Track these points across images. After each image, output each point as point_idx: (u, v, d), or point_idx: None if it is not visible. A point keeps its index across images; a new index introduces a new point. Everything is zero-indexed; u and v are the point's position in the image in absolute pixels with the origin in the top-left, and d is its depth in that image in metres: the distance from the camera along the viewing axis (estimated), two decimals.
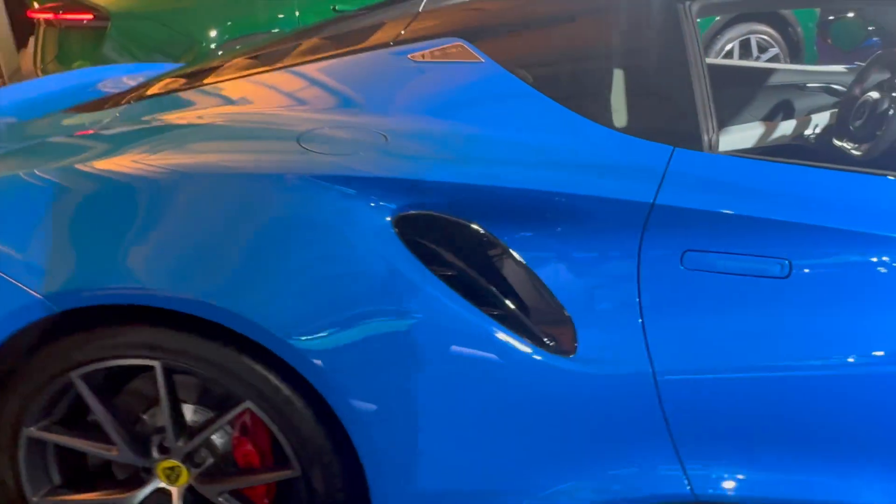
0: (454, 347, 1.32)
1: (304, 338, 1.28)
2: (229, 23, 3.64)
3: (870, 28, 2.67)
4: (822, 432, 1.33)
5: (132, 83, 1.99)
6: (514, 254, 1.38)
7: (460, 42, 1.48)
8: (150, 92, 1.69)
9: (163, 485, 1.50)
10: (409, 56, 1.51)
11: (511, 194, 1.34)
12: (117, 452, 1.46)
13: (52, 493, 1.52)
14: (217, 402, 1.50)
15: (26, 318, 1.32)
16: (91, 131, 1.56)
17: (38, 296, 1.30)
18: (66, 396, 1.45)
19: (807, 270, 1.30)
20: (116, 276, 1.29)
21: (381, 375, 1.32)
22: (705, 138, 1.38)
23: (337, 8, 3.75)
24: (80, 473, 1.57)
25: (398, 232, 1.31)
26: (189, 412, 1.50)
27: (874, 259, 1.27)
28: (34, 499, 1.51)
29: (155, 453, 1.48)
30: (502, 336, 1.32)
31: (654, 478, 1.41)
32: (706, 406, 1.35)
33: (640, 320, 1.36)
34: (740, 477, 1.37)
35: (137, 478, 1.52)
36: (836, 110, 2.37)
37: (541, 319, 1.37)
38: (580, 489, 1.42)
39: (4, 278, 1.32)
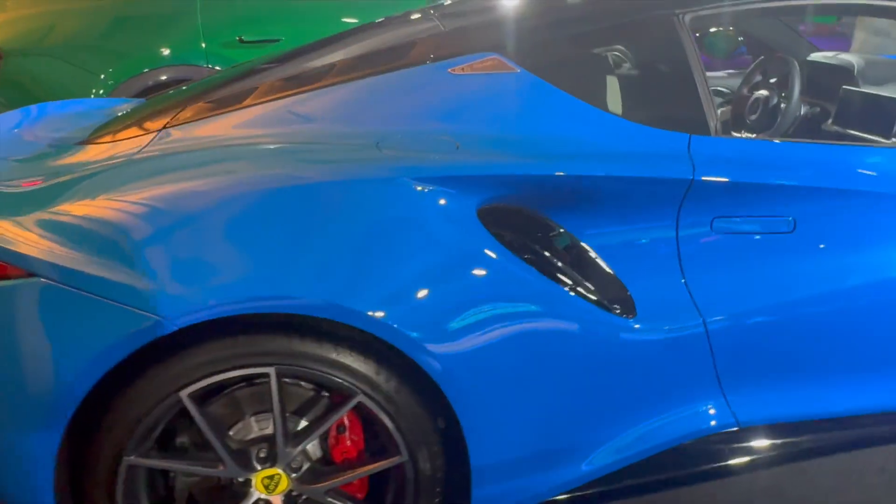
0: (545, 323, 1.49)
1: (420, 329, 1.40)
2: (131, 58, 3.55)
3: (740, 38, 3.17)
4: (834, 353, 1.65)
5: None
6: (573, 235, 1.59)
7: (496, 56, 1.67)
8: (185, 117, 1.71)
9: (262, 496, 1.53)
10: (448, 70, 1.67)
11: (570, 182, 1.55)
12: (224, 468, 1.48)
13: None
14: (300, 408, 1.55)
15: (141, 340, 1.33)
16: (157, 151, 1.57)
17: (156, 316, 1.31)
18: (163, 420, 1.45)
19: (808, 224, 1.61)
20: (254, 287, 1.34)
21: (484, 355, 1.46)
22: (711, 125, 1.66)
23: (244, 38, 3.77)
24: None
25: (484, 223, 1.47)
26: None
27: (859, 208, 1.61)
28: None
29: (256, 465, 1.51)
30: (582, 308, 1.51)
31: (706, 414, 1.66)
32: (742, 344, 1.62)
33: (683, 280, 1.61)
34: (773, 401, 1.66)
35: (234, 493, 1.54)
36: (731, 107, 2.79)
37: (604, 291, 1.57)
38: (648, 434, 1.64)
39: (116, 304, 1.32)
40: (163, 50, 3.61)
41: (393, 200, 1.43)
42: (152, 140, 1.67)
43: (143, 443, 1.45)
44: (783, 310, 1.62)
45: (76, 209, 1.42)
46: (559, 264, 1.54)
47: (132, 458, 1.43)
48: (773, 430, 1.68)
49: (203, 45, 3.69)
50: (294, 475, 1.53)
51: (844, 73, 2.64)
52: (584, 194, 1.58)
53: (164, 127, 1.70)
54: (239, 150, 1.54)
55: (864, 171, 1.64)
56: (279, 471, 1.52)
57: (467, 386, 1.46)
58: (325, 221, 1.40)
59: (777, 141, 1.69)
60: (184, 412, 1.44)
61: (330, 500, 1.54)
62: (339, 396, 1.48)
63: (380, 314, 1.37)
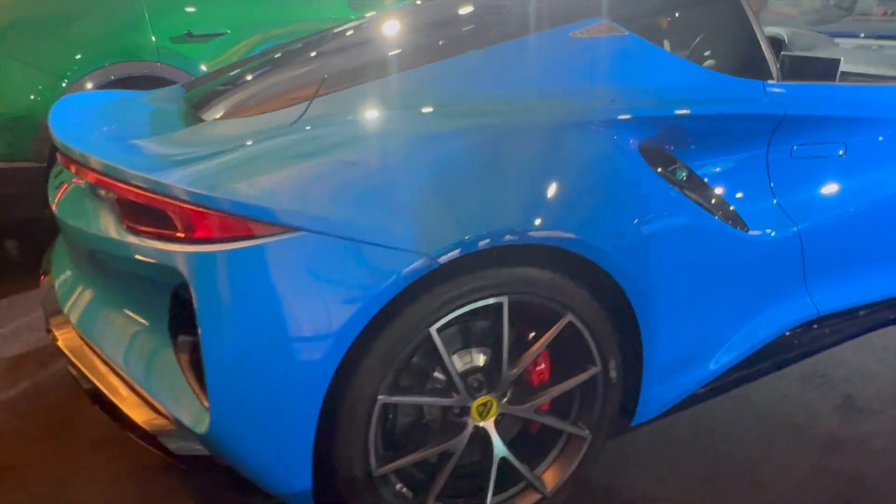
0: (695, 237, 1.78)
1: (619, 250, 1.62)
2: (84, 55, 3.36)
3: None
4: (882, 248, 2.09)
5: None
6: (691, 167, 1.88)
7: (605, 21, 1.91)
8: (330, 88, 1.78)
9: (478, 423, 1.68)
10: (570, 34, 1.90)
11: (693, 121, 1.84)
12: (457, 397, 1.61)
13: (387, 461, 1.59)
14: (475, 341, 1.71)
15: (406, 280, 1.43)
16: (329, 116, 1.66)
17: (421, 255, 1.42)
18: (410, 358, 1.55)
19: (854, 148, 2.04)
20: (501, 222, 1.48)
21: (656, 267, 1.71)
22: (774, 72, 2.03)
23: (193, 32, 3.68)
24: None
25: (644, 158, 1.73)
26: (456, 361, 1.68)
27: (891, 133, 2.06)
28: (378, 470, 1.57)
29: (475, 394, 1.65)
30: (717, 224, 1.81)
31: (796, 308, 2.02)
32: (820, 245, 2.00)
33: (776, 202, 1.96)
34: (845, 291, 2.06)
35: (452, 424, 1.66)
36: None
37: (723, 210, 1.88)
38: (757, 328, 1.97)
39: (381, 248, 1.41)
40: (115, 46, 3.45)
41: (590, 143, 1.65)
42: (307, 109, 1.73)
43: (395, 381, 1.55)
44: (843, 216, 2.03)
45: (315, 167, 1.48)
46: (691, 191, 1.83)
47: (385, 396, 1.52)
48: (840, 314, 2.09)
49: (153, 39, 3.57)
50: (503, 400, 1.70)
51: (777, 43, 3.19)
52: (698, 132, 1.87)
53: (314, 97, 1.76)
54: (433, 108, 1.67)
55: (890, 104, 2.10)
56: (491, 398, 1.67)
57: (646, 296, 1.70)
58: (545, 162, 1.59)
59: (825, 83, 2.11)
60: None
61: (536, 416, 1.72)
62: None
63: (589, 237, 1.58)
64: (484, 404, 1.67)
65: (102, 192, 1.65)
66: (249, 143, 1.59)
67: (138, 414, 1.61)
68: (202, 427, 1.48)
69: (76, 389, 2.48)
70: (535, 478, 1.75)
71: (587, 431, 1.78)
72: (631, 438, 2.09)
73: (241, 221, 1.40)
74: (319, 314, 1.41)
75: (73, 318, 1.77)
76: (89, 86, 3.30)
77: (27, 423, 2.35)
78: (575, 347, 1.72)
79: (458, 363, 1.66)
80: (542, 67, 1.83)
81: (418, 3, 2.56)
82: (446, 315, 1.52)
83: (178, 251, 1.41)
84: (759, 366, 2.06)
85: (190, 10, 3.71)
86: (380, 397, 1.51)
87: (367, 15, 2.77)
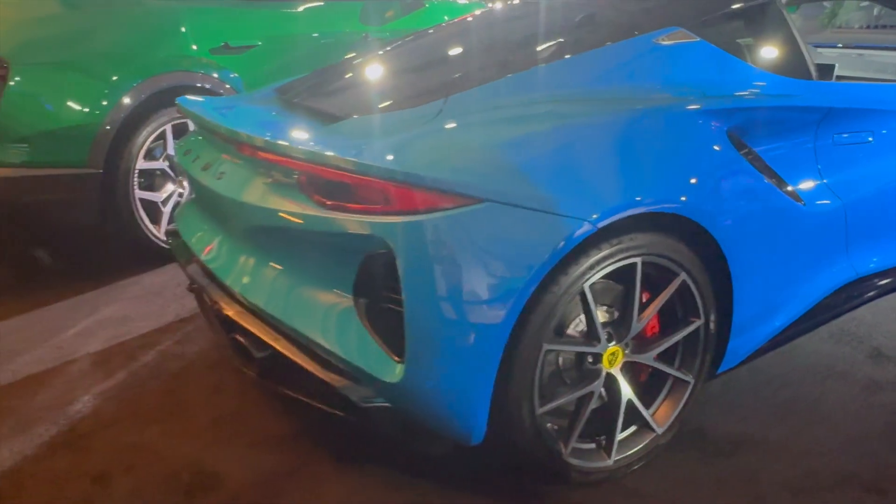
0: (770, 206, 2.11)
1: (718, 216, 1.94)
2: (134, 65, 3.50)
3: None
4: None
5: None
6: (757, 151, 2.22)
7: (681, 29, 2.24)
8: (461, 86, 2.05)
9: (608, 370, 1.96)
10: (653, 41, 2.21)
11: (762, 112, 2.18)
12: (598, 344, 1.89)
13: (545, 401, 1.85)
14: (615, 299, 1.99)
15: (573, 242, 1.70)
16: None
17: (586, 221, 1.70)
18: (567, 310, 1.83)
19: (878, 136, 2.43)
20: (648, 192, 1.78)
21: (744, 231, 2.02)
22: (813, 73, 2.40)
23: (230, 44, 3.87)
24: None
25: (732, 142, 2.05)
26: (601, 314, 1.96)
27: None
28: (540, 409, 1.83)
29: (606, 344, 1.93)
30: (782, 196, 2.15)
31: (839, 271, 2.39)
32: (857, 215, 2.37)
33: (824, 182, 2.32)
34: (877, 256, 2.44)
35: (588, 371, 1.94)
36: None
37: (784, 186, 2.23)
38: (811, 289, 2.32)
39: (556, 215, 1.68)
40: (161, 58, 3.60)
41: (695, 129, 1.96)
42: (445, 105, 1.98)
43: (556, 330, 1.81)
44: (873, 192, 2.41)
45: (495, 148, 1.74)
46: (761, 171, 2.17)
47: (548, 344, 1.79)
48: (871, 277, 2.47)
49: (194, 47, 3.73)
50: (627, 350, 1.98)
51: None
52: (762, 123, 2.22)
53: (450, 93, 2.02)
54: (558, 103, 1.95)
55: None
56: (618, 347, 1.96)
57: (738, 258, 2.02)
58: (667, 143, 1.90)
59: (859, 79, 2.49)
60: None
61: (655, 363, 2.01)
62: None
63: (700, 206, 1.88)
64: (613, 353, 1.95)
65: (282, 174, 1.85)
66: (417, 131, 1.84)
67: (322, 372, 1.83)
68: (394, 377, 1.71)
69: (180, 374, 2.65)
70: (650, 418, 2.04)
71: (690, 377, 2.09)
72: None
73: (438, 195, 1.64)
74: (504, 274, 1.66)
75: (241, 289, 1.97)
76: (141, 96, 3.44)
77: (139, 407, 2.49)
78: (682, 303, 2.03)
79: (603, 315, 1.95)
80: (637, 67, 2.13)
81: (501, 7, 2.85)
82: (597, 274, 1.80)
83: (384, 222, 1.65)
84: (808, 322, 2.41)
85: (226, 23, 3.90)
86: (545, 345, 1.78)
87: (453, 21, 3.03)
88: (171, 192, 3.69)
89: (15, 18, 3.30)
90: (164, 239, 3.67)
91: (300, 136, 1.93)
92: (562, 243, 1.69)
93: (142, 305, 3.29)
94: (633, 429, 2.06)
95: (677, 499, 1.97)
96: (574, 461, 1.94)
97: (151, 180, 3.64)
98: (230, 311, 1.99)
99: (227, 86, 3.82)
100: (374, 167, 1.66)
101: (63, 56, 3.27)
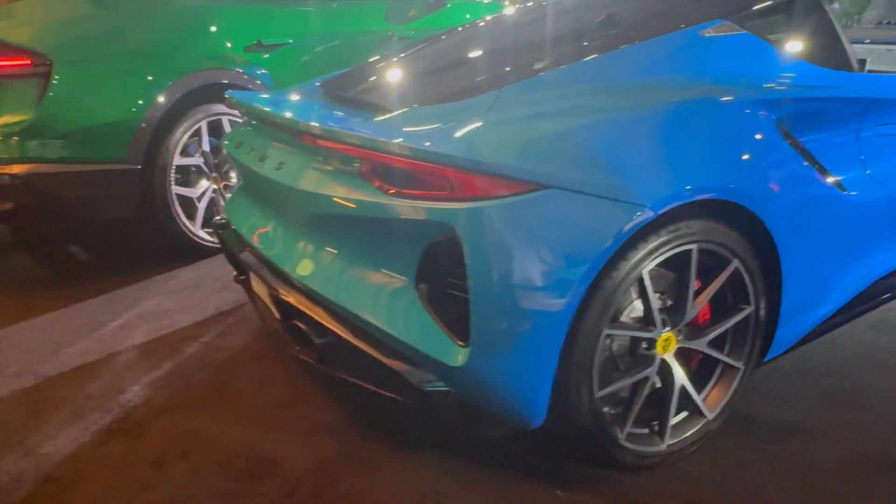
0: (818, 194, 2.14)
1: (769, 204, 1.97)
2: (171, 63, 3.55)
3: None
4: None
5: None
6: (802, 141, 2.25)
7: (726, 22, 2.27)
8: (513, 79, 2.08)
9: (662, 355, 1.99)
10: (699, 33, 2.25)
11: (808, 103, 2.21)
12: (654, 329, 1.92)
13: (603, 385, 1.88)
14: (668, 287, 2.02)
15: (634, 228, 1.73)
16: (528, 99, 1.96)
17: (646, 207, 1.73)
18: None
19: None
20: (704, 181, 1.81)
21: (794, 219, 2.06)
22: (854, 65, 2.43)
23: (263, 42, 3.91)
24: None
25: (780, 132, 2.08)
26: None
27: None
28: (598, 392, 1.86)
29: (661, 329, 1.96)
30: (827, 184, 2.18)
31: (882, 259, 2.41)
32: None
33: (867, 172, 2.35)
34: None
35: (643, 357, 1.97)
36: None
37: (828, 176, 2.26)
38: (855, 278, 2.35)
39: (617, 201, 1.72)
40: (198, 56, 3.65)
41: (747, 119, 1.99)
42: (500, 96, 2.02)
43: (614, 315, 1.84)
44: None
45: (558, 136, 1.78)
46: (807, 161, 2.20)
47: (607, 329, 1.82)
48: None
49: (229, 47, 3.78)
50: (680, 336, 2.01)
51: None
52: (809, 113, 2.24)
53: (503, 84, 2.06)
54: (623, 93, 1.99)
55: None
56: (671, 333, 1.99)
57: (788, 246, 2.05)
58: (722, 132, 1.93)
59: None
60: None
61: (707, 349, 2.04)
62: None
63: (754, 194, 1.92)
64: (666, 339, 1.98)
65: (345, 162, 1.89)
66: (479, 120, 1.87)
67: (383, 357, 1.86)
68: (458, 361, 1.74)
69: (226, 365, 2.69)
70: (702, 403, 2.07)
71: (740, 363, 2.11)
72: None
73: (504, 181, 1.68)
74: (567, 259, 1.69)
75: (301, 277, 2.00)
76: (178, 93, 3.49)
77: (188, 396, 2.53)
78: (733, 290, 2.06)
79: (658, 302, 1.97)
80: (687, 59, 2.17)
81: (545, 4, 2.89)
82: (654, 260, 1.83)
83: (450, 208, 1.68)
84: (851, 312, 2.44)
85: (259, 21, 3.94)
86: (604, 329, 1.81)
87: (493, 17, 3.07)
88: (205, 188, 3.73)
89: (55, 17, 3.35)
90: (199, 234, 3.72)
91: (362, 126, 1.97)
92: (624, 229, 1.72)
93: (180, 299, 3.33)
94: (684, 414, 2.09)
95: (730, 483, 2.00)
96: (629, 445, 1.97)
97: (187, 176, 3.68)
98: (290, 297, 2.03)
99: (258, 82, 3.86)
100: (442, 155, 1.69)
101: (102, 54, 3.31)
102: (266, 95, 2.54)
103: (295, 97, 2.50)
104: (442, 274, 1.80)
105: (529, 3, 3.21)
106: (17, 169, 3.16)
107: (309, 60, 4.13)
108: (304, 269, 2.02)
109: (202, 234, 3.73)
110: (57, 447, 2.26)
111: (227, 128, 3.72)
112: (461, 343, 1.76)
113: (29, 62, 3.10)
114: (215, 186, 3.77)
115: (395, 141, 1.75)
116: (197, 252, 3.74)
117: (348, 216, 1.88)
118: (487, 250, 1.67)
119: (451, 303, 1.78)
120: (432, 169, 1.71)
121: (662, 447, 2.03)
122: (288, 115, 2.07)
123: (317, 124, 1.94)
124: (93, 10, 3.50)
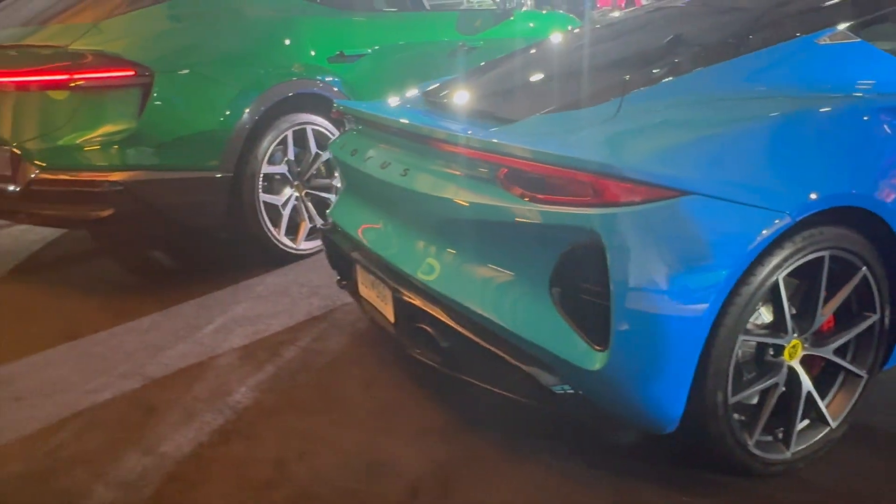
0: None
1: (894, 211, 1.96)
2: (262, 74, 3.63)
3: None
4: None
5: None
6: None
7: (839, 30, 2.27)
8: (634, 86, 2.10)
9: (790, 362, 1.98)
10: (815, 41, 2.25)
11: None
12: (785, 336, 1.92)
13: (736, 391, 1.88)
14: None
15: (774, 234, 1.74)
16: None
17: (786, 214, 1.74)
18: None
19: None
20: (839, 187, 1.82)
21: None
22: None
23: (344, 53, 3.98)
24: None
25: None
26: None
27: None
28: (732, 398, 1.86)
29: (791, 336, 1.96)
30: None
31: None
32: None
33: None
34: None
35: (771, 364, 1.97)
36: None
37: None
38: None
39: (758, 208, 1.73)
40: (286, 67, 3.73)
41: (874, 126, 1.99)
42: (623, 103, 2.04)
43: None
44: None
45: (699, 144, 1.80)
46: None
47: (743, 335, 1.82)
48: None
49: (314, 57, 3.86)
50: (806, 343, 2.01)
51: None
52: None
53: (625, 92, 2.08)
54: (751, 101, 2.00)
55: None
56: (798, 340, 1.98)
57: None
58: (852, 140, 1.93)
59: None
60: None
61: (833, 357, 2.03)
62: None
63: (885, 200, 1.91)
64: (793, 346, 1.98)
65: (477, 169, 1.92)
66: (612, 128, 1.90)
67: (512, 359, 1.89)
68: (595, 366, 1.76)
69: (328, 369, 2.74)
70: (826, 411, 2.06)
71: (864, 371, 2.10)
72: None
73: (646, 187, 1.70)
74: (708, 265, 1.70)
75: (428, 281, 2.04)
76: (266, 102, 3.57)
77: (295, 398, 2.58)
78: (857, 297, 2.05)
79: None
80: (806, 67, 2.17)
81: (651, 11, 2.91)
82: (789, 266, 1.83)
83: (592, 214, 1.70)
84: None
85: (341, 33, 4.02)
86: (740, 336, 1.81)
87: (603, 23, 3.10)
88: (289, 196, 3.80)
89: (151, 31, 3.45)
90: (283, 241, 3.78)
91: (495, 133, 2.00)
92: (764, 235, 1.73)
93: (270, 304, 3.39)
94: (806, 422, 2.08)
95: (855, 492, 1.98)
96: (757, 452, 1.96)
97: (272, 184, 3.75)
98: (416, 300, 2.06)
99: (337, 90, 3.93)
100: (585, 161, 1.72)
101: (199, 65, 3.40)
102: (375, 104, 2.59)
103: (407, 105, 2.54)
104: (578, 279, 1.82)
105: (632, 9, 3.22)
106: (117, 176, 3.25)
107: (386, 70, 4.20)
108: (429, 272, 2.06)
109: (286, 240, 3.80)
110: (176, 446, 2.32)
111: (311, 137, 3.79)
112: (598, 348, 1.77)
113: (133, 72, 3.19)
114: (297, 194, 3.83)
115: (537, 148, 1.78)
116: (282, 259, 3.80)
117: (481, 221, 1.91)
118: (630, 255, 1.69)
119: (586, 308, 1.80)
120: (574, 175, 1.73)
121: (787, 455, 2.02)
122: (416, 122, 2.11)
123: (453, 132, 1.98)
124: (187, 23, 3.59)
